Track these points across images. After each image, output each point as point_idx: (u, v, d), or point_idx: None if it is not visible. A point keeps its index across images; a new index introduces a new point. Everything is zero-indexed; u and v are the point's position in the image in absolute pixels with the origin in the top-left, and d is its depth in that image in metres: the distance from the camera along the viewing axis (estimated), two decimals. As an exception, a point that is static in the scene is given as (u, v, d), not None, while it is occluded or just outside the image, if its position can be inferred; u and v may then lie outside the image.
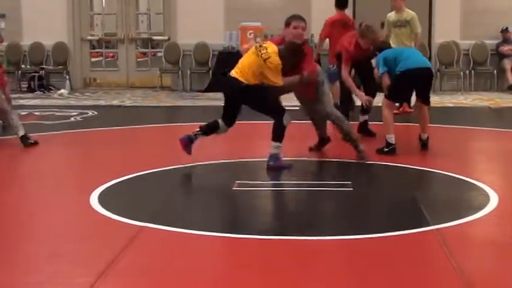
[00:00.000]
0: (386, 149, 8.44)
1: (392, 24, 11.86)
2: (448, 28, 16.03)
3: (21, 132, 9.29)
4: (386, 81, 8.69)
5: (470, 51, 16.07)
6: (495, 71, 16.00)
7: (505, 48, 15.90)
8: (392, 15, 11.96)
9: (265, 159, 7.79)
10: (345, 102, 10.15)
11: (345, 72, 9.33)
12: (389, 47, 9.10)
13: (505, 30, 15.87)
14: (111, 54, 18.50)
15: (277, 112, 7.71)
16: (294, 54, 7.67)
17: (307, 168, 8.17)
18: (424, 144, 8.74)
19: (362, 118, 10.00)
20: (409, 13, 11.84)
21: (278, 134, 7.67)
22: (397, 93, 8.74)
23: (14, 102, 13.85)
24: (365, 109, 9.90)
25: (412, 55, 8.80)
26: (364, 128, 9.95)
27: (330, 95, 8.48)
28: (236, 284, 4.45)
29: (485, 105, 13.73)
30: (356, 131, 9.44)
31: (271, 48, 7.58)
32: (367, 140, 9.25)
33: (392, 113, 8.68)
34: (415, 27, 11.74)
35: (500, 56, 15.95)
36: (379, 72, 8.78)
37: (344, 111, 9.31)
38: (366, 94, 9.47)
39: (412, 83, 8.65)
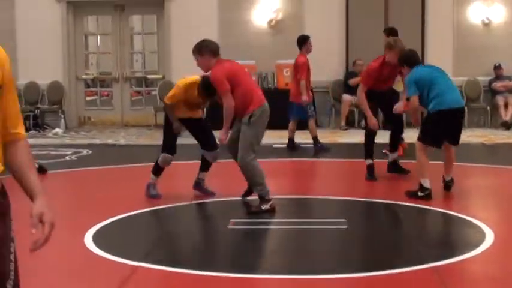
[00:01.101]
0: (421, 194, 7.96)
1: None
2: (440, 64, 15.77)
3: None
4: (415, 105, 8.17)
5: (463, 88, 16.13)
6: (488, 108, 16.06)
7: (498, 85, 15.96)
8: None
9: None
10: (370, 137, 9.48)
11: (361, 93, 9.13)
12: (418, 60, 8.62)
13: (497, 67, 15.94)
14: (105, 93, 18.54)
15: (163, 148, 8.36)
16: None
17: (302, 206, 8.15)
18: (448, 186, 8.29)
19: (392, 157, 9.56)
20: None
21: (154, 168, 8.34)
22: (433, 135, 8.08)
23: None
24: (393, 147, 9.55)
25: (449, 90, 8.21)
26: (395, 166, 9.50)
27: (248, 141, 7.53)
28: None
29: (479, 142, 13.75)
30: (387, 169, 9.38)
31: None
32: (396, 178, 9.23)
33: (426, 156, 8.10)
34: None
35: (493, 92, 16.01)
36: (408, 94, 8.27)
37: (368, 147, 9.35)
38: (392, 131, 9.45)
39: (447, 124, 8.08)
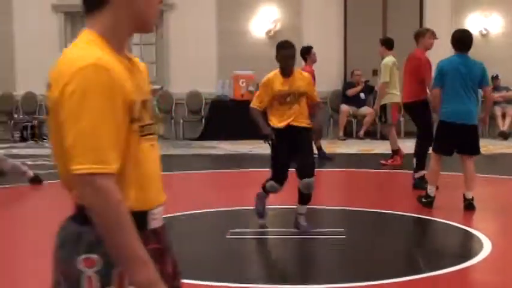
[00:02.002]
0: (424, 200, 8.03)
1: None
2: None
3: (31, 173, 9.83)
4: (434, 98, 8.02)
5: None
6: (486, 118, 16.07)
7: (495, 96, 15.99)
8: None
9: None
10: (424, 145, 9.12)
11: (432, 87, 8.43)
12: (461, 47, 8.09)
13: (495, 78, 15.98)
14: (104, 103, 18.54)
15: (272, 174, 7.16)
16: None
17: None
18: (469, 205, 7.84)
19: (418, 174, 9.24)
20: (384, 59, 11.59)
21: (263, 187, 7.31)
22: (440, 144, 7.98)
23: (6, 152, 13.88)
24: (420, 164, 9.19)
25: (459, 100, 7.78)
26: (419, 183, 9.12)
27: None
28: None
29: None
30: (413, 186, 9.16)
31: None
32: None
33: (438, 165, 7.97)
34: (381, 76, 11.43)
35: (490, 103, 16.03)
36: (432, 85, 8.09)
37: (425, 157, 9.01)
38: (422, 145, 9.08)
39: (452, 137, 7.84)
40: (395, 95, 11.25)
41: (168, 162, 13.26)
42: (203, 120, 16.31)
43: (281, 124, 6.84)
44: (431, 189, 8.04)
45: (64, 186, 2.24)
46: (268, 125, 6.91)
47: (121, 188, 2.10)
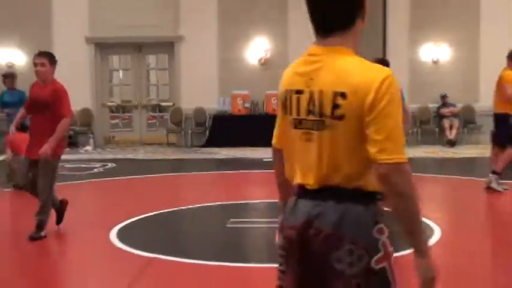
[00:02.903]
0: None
1: None
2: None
3: None
4: None
5: (416, 113, 16.24)
6: (437, 129, 16.17)
7: (445, 111, 16.11)
8: None
9: (256, 201, 7.80)
10: None
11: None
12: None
13: (443, 96, 16.09)
14: (126, 117, 18.56)
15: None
16: None
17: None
18: None
19: None
20: None
21: None
22: None
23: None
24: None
25: None
26: None
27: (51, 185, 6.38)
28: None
29: (429, 157, 13.84)
30: None
31: None
32: None
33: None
34: None
35: (440, 116, 16.14)
36: None
37: None
38: None
39: None
40: None
41: (179, 165, 13.27)
42: (207, 131, 16.33)
43: None
44: None
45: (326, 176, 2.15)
46: None
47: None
